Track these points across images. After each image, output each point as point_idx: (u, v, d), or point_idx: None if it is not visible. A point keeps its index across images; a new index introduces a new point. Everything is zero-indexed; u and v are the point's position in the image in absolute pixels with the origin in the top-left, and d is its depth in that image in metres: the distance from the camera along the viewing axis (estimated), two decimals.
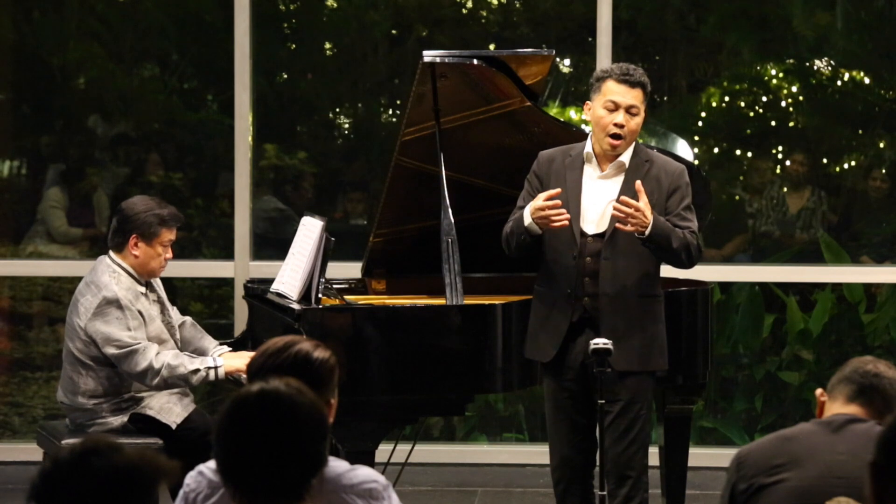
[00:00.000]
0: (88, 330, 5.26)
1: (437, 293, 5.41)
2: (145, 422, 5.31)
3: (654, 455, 5.40)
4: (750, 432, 7.55)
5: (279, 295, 5.42)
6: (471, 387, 5.15)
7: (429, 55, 5.23)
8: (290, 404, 2.59)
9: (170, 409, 5.32)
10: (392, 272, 5.85)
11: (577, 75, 7.99)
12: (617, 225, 4.83)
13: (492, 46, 7.92)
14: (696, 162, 6.79)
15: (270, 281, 5.62)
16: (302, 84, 8.21)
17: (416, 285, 5.76)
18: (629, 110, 4.95)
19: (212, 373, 5.24)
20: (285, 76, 8.20)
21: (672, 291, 5.29)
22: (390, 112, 8.15)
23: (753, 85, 8.01)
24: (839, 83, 8.03)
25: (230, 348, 5.58)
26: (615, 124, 4.94)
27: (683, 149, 6.36)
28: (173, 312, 5.56)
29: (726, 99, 8.05)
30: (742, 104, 8.07)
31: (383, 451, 5.36)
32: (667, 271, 5.17)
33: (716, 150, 8.21)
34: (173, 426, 5.29)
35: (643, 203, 4.77)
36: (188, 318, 5.63)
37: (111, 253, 5.41)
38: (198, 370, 5.22)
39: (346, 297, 5.47)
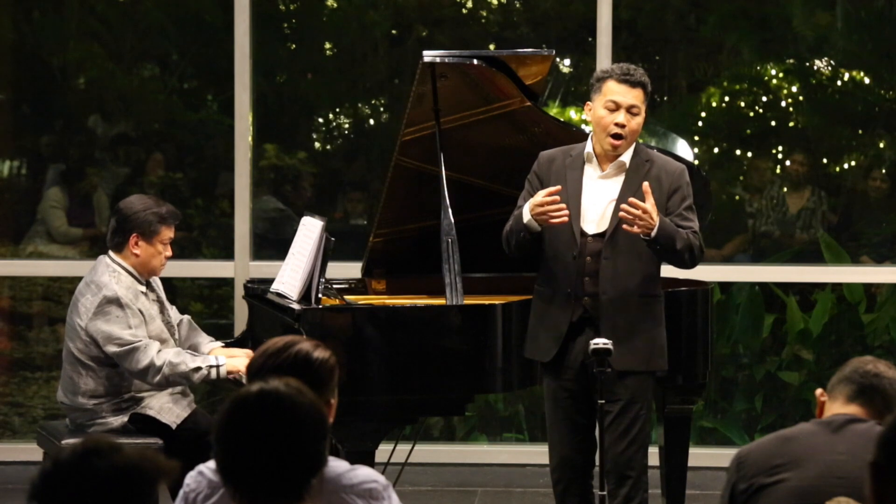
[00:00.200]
0: (89, 329, 5.26)
1: (437, 293, 5.41)
2: (145, 422, 5.31)
3: (654, 455, 5.40)
4: (750, 432, 7.55)
5: (279, 295, 5.42)
6: (471, 387, 5.15)
7: (429, 55, 5.23)
8: (290, 404, 2.59)
9: (170, 408, 5.33)
10: (392, 272, 5.85)
11: (577, 75, 7.99)
12: (624, 226, 4.82)
13: (492, 46, 7.92)
14: (696, 162, 6.78)
15: (270, 281, 5.62)
16: (302, 84, 8.21)
17: (416, 285, 5.76)
18: (630, 110, 4.96)
19: (213, 371, 5.24)
20: (285, 76, 8.20)
21: (672, 291, 5.29)
22: (390, 112, 8.15)
23: (753, 85, 8.01)
24: (839, 83, 8.03)
25: (223, 344, 5.58)
26: (616, 124, 4.94)
27: (683, 149, 6.36)
28: (172, 312, 5.56)
29: (726, 99, 8.05)
30: (742, 104, 8.07)
31: (383, 451, 5.36)
32: (667, 271, 5.17)
33: (716, 150, 8.21)
34: (173, 426, 5.29)
35: (650, 205, 4.78)
36: (186, 317, 5.64)
37: (111, 253, 5.41)
38: (199, 368, 5.22)
39: (346, 297, 5.47)
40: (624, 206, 4.79)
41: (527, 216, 4.89)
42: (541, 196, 4.85)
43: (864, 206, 8.04)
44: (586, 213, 4.97)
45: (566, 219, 4.85)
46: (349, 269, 6.18)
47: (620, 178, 4.99)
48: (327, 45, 8.27)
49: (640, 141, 5.13)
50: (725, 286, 7.64)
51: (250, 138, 7.29)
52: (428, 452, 7.08)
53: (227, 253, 7.45)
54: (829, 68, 8.00)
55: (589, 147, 5.03)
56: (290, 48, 8.25)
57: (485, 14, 8.07)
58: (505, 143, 5.55)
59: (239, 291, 6.86)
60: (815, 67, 8.01)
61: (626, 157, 5.00)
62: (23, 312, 7.93)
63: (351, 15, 8.09)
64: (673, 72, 8.11)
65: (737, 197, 8.12)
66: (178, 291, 7.62)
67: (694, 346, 5.39)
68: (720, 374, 7.69)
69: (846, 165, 8.08)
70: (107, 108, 8.04)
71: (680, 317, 5.33)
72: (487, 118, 5.50)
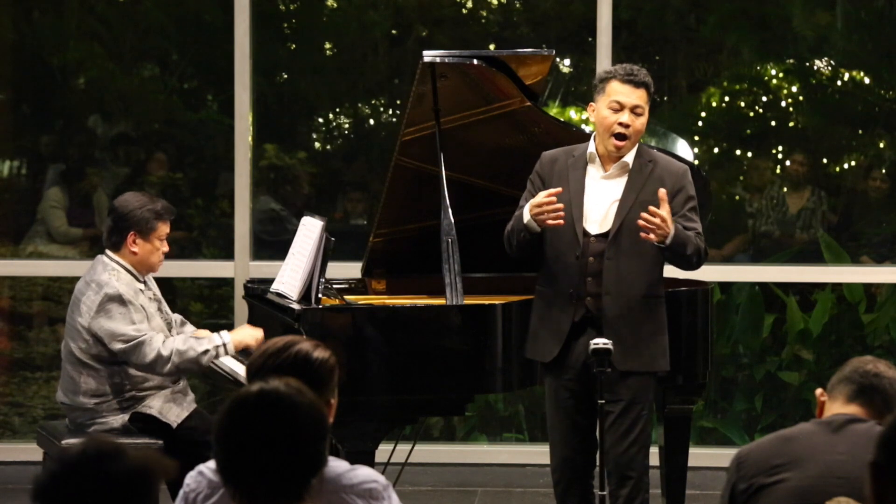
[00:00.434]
0: (92, 328, 5.27)
1: (437, 293, 5.41)
2: (146, 421, 5.32)
3: (654, 455, 5.39)
4: (750, 432, 7.55)
5: (279, 295, 5.42)
6: (471, 387, 5.15)
7: (429, 55, 5.23)
8: (290, 404, 2.59)
9: (170, 408, 5.33)
10: (392, 272, 5.85)
11: (577, 75, 7.99)
12: (641, 234, 4.81)
13: (492, 46, 7.92)
14: (696, 162, 6.79)
15: (270, 281, 5.62)
16: (302, 84, 8.21)
17: (416, 285, 5.76)
18: (634, 110, 4.95)
19: (221, 350, 5.28)
20: (285, 76, 8.20)
21: (672, 291, 5.29)
22: (390, 112, 8.15)
23: (753, 85, 8.01)
24: (839, 83, 8.03)
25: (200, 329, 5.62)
26: (620, 123, 4.93)
27: (683, 149, 6.37)
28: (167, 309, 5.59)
29: (726, 99, 8.05)
30: (742, 104, 8.07)
31: (383, 451, 5.36)
32: (666, 271, 5.16)
33: (716, 150, 8.21)
34: (174, 425, 5.30)
35: (666, 212, 4.78)
36: (178, 316, 5.67)
37: (108, 252, 5.41)
38: (207, 350, 5.25)
39: (346, 297, 5.47)
40: (644, 214, 4.78)
41: (527, 216, 4.89)
42: (541, 197, 4.85)
43: (864, 206, 8.04)
44: (589, 213, 4.96)
45: (562, 221, 4.85)
46: (349, 269, 6.18)
47: (623, 179, 4.99)
48: (327, 45, 8.27)
49: (641, 141, 5.13)
50: (725, 286, 7.64)
51: (250, 138, 7.29)
52: (428, 452, 7.08)
53: (227, 253, 7.45)
54: (829, 68, 8.00)
55: (592, 147, 5.02)
56: (290, 48, 8.25)
57: (485, 14, 8.07)
58: (505, 143, 5.55)
59: (239, 291, 6.86)
60: (815, 67, 8.01)
61: (629, 157, 5.00)
62: (23, 312, 7.93)
63: (351, 15, 8.09)
64: (673, 72, 8.11)
65: (737, 197, 8.11)
66: (178, 291, 7.62)
67: (694, 346, 5.39)
68: (720, 374, 7.69)
69: (846, 165, 8.08)
70: (107, 108, 8.05)
71: (680, 317, 5.32)
72: (487, 118, 5.50)
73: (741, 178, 8.16)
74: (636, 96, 4.96)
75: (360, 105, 8.27)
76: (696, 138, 8.05)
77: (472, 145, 5.57)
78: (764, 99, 8.01)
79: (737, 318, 7.71)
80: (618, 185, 4.99)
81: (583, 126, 6.38)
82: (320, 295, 5.27)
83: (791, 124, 8.10)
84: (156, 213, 5.41)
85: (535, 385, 5.31)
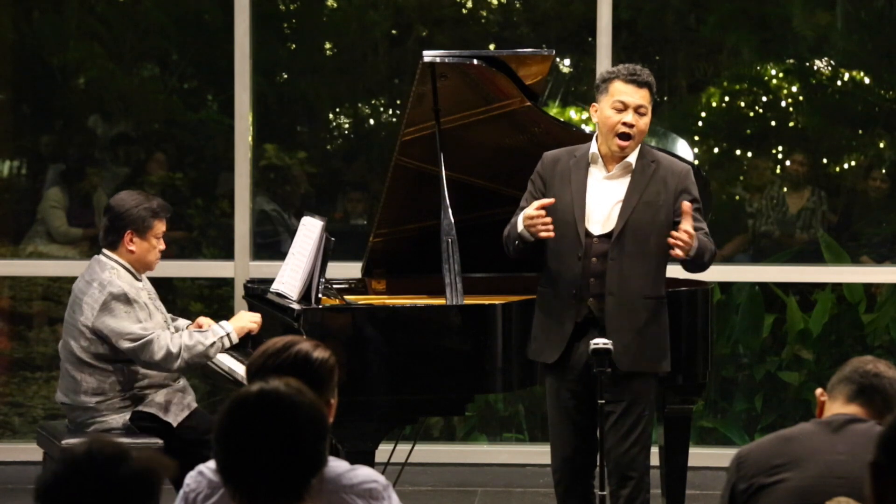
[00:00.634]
0: (96, 326, 5.27)
1: (437, 293, 5.41)
2: (146, 420, 5.32)
3: (654, 455, 5.39)
4: (750, 432, 7.55)
5: (279, 295, 5.42)
6: (471, 387, 5.15)
7: (429, 55, 5.23)
8: (290, 404, 2.59)
9: (171, 407, 5.33)
10: (392, 272, 5.85)
11: (577, 75, 7.99)
12: (672, 252, 4.81)
13: (492, 46, 7.92)
14: (696, 162, 6.78)
15: (270, 281, 5.62)
16: (302, 84, 8.21)
17: (416, 285, 5.76)
18: (637, 110, 4.95)
19: (226, 340, 5.34)
20: (285, 76, 8.20)
21: (672, 291, 5.28)
22: (390, 112, 8.15)
23: (753, 85, 8.01)
24: (839, 83, 8.03)
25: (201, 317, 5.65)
26: (624, 123, 4.92)
27: (683, 149, 6.36)
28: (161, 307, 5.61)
29: (726, 99, 8.05)
30: (742, 104, 8.07)
31: (383, 451, 5.36)
32: (667, 271, 5.16)
33: (716, 150, 8.21)
34: (174, 424, 5.30)
35: (690, 226, 4.78)
36: (169, 315, 5.69)
37: (105, 251, 5.41)
38: (213, 343, 5.30)
39: (346, 297, 5.47)
40: (675, 233, 4.78)
41: (520, 226, 4.89)
42: (533, 209, 4.84)
43: (864, 206, 8.04)
44: (592, 213, 4.96)
45: (552, 234, 4.84)
46: (349, 269, 6.19)
47: (626, 179, 4.98)
48: (327, 45, 8.27)
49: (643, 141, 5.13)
50: (725, 286, 7.64)
51: (250, 138, 7.29)
52: (428, 452, 7.08)
53: (227, 253, 7.46)
54: (829, 68, 8.00)
55: (594, 148, 5.02)
56: (290, 48, 8.25)
57: (485, 14, 8.07)
58: (505, 143, 5.55)
59: (239, 291, 6.86)
60: (815, 67, 8.01)
61: (632, 157, 4.99)
62: (23, 312, 7.93)
63: (351, 15, 8.09)
64: (673, 72, 8.11)
65: (737, 197, 8.11)
66: (177, 291, 7.63)
67: (694, 346, 5.39)
68: (720, 374, 7.69)
69: (846, 165, 8.08)
70: (107, 108, 8.05)
71: (680, 317, 5.32)
72: (487, 118, 5.49)
73: (741, 178, 8.16)
74: (640, 96, 4.95)
75: (360, 105, 8.28)
76: (696, 138, 8.05)
77: (472, 145, 5.57)
78: (764, 99, 8.01)
79: (737, 318, 7.71)
80: (621, 186, 4.98)
81: (583, 126, 6.38)
82: (320, 295, 5.27)
83: (791, 124, 8.10)
84: (152, 211, 5.41)
85: (535, 385, 5.31)
